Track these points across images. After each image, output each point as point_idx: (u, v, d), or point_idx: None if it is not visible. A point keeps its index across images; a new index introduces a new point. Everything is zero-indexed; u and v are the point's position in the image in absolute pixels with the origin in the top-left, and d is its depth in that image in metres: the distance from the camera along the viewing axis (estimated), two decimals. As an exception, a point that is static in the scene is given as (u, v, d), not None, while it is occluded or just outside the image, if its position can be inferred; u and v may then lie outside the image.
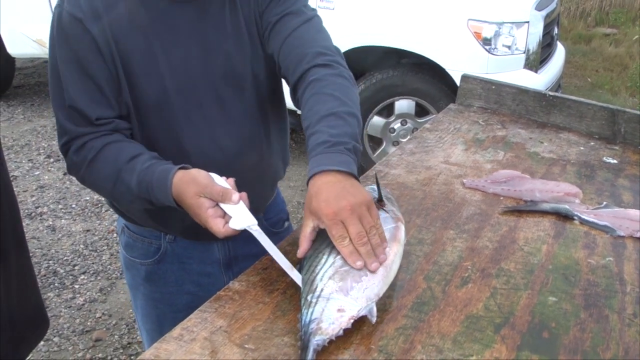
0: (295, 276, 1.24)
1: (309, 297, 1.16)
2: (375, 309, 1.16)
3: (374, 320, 1.14)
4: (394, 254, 1.25)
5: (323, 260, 1.21)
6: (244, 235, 1.64)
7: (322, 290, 1.16)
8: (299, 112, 1.40)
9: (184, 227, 1.55)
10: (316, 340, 1.08)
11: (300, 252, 1.25)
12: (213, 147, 1.50)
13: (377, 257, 1.19)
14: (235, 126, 1.49)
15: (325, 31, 1.51)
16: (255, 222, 1.27)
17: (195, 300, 1.66)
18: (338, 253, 1.20)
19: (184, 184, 1.29)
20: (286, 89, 1.55)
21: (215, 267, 1.65)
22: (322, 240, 1.25)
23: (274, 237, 1.61)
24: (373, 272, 1.18)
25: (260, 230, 1.27)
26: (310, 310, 1.13)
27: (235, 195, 1.25)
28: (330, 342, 1.11)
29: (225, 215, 1.27)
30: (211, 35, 1.45)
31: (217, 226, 1.25)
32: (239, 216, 1.26)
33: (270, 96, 1.57)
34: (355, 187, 1.22)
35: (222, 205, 1.27)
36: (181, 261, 1.64)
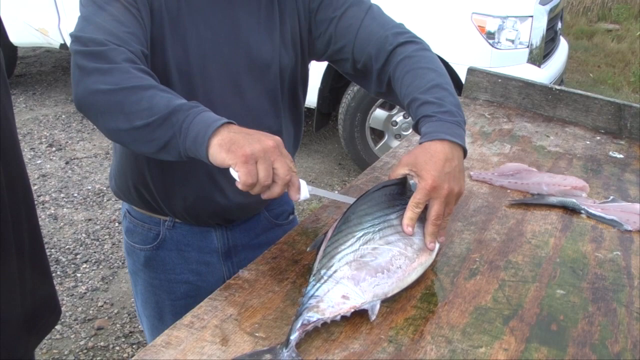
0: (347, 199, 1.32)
1: (321, 272, 1.17)
2: (378, 307, 1.16)
3: (372, 317, 1.14)
4: (418, 263, 1.25)
5: (349, 243, 1.21)
6: (243, 225, 1.64)
7: (335, 271, 1.16)
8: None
9: (185, 207, 1.55)
10: (309, 316, 1.09)
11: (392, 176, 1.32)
12: None
13: (437, 239, 1.28)
14: (252, 115, 1.49)
15: (386, 14, 1.54)
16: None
17: (194, 289, 1.66)
18: (367, 242, 1.22)
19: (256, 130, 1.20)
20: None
21: (214, 256, 1.65)
22: (358, 219, 1.25)
23: (277, 230, 1.62)
24: (431, 250, 1.28)
25: (313, 187, 1.28)
26: (317, 285, 1.15)
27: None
28: (340, 331, 1.11)
29: None
30: (242, 24, 1.45)
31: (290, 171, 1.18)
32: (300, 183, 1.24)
33: (290, 89, 1.58)
34: (461, 174, 1.29)
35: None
36: (180, 248, 1.64)
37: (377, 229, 1.24)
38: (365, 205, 1.28)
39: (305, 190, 1.22)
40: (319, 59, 1.60)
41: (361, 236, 1.23)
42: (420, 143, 1.30)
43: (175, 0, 1.38)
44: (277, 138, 1.17)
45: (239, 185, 1.13)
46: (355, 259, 1.19)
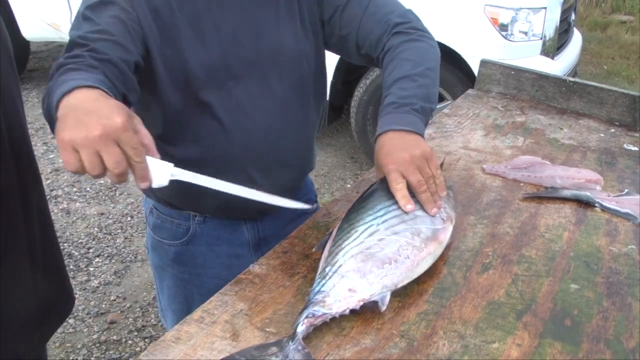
0: (288, 203, 1.27)
1: (326, 269, 1.16)
2: (388, 297, 1.15)
3: (383, 308, 1.13)
4: (427, 252, 1.24)
5: (353, 237, 1.21)
6: (272, 215, 1.63)
7: (340, 266, 1.16)
8: None
9: (216, 205, 1.55)
10: (313, 310, 1.09)
11: None
12: (254, 125, 1.48)
13: (434, 202, 1.28)
14: (278, 106, 1.49)
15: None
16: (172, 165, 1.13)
17: (225, 284, 1.66)
18: (372, 234, 1.21)
19: (103, 96, 1.07)
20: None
21: (244, 249, 1.65)
22: (359, 216, 1.25)
23: (303, 217, 1.61)
24: (432, 215, 1.28)
25: (182, 170, 1.14)
26: (323, 282, 1.14)
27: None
28: (352, 326, 1.11)
29: None
30: (262, 15, 1.44)
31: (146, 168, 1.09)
32: (158, 168, 1.11)
33: (314, 77, 1.58)
34: (416, 141, 1.30)
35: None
36: (210, 243, 1.64)
37: (381, 220, 1.24)
38: (365, 202, 1.29)
39: (161, 177, 1.10)
40: (327, 47, 1.61)
41: (365, 229, 1.22)
42: (375, 137, 1.36)
43: (194, 2, 1.38)
44: (114, 121, 1.01)
45: None
46: (361, 251, 1.18)
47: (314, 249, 1.30)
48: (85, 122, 1.00)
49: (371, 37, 1.49)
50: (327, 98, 4.65)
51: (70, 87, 1.05)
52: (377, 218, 1.24)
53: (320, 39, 1.57)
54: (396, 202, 1.27)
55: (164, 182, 1.11)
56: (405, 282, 1.19)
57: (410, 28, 1.49)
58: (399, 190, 1.26)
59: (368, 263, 1.16)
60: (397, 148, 1.29)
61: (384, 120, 1.35)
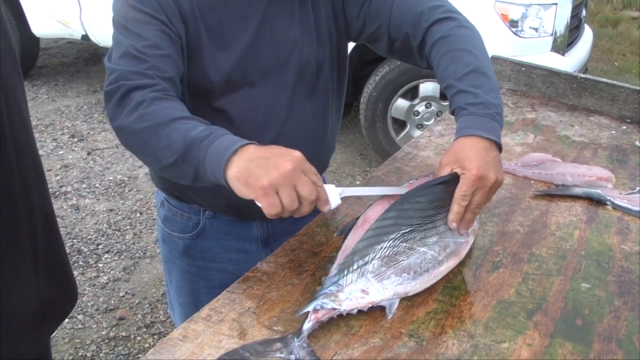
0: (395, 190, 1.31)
1: (354, 258, 1.15)
2: (396, 305, 1.14)
3: (389, 316, 1.13)
4: (446, 267, 1.24)
5: (393, 236, 1.18)
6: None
7: (366, 263, 1.14)
8: None
9: (227, 204, 1.55)
10: (323, 302, 1.08)
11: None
12: (269, 132, 1.47)
13: (469, 225, 1.27)
14: (293, 112, 1.48)
15: None
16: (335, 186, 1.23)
17: (232, 278, 1.66)
18: (407, 240, 1.19)
19: (274, 147, 1.17)
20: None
21: (253, 244, 1.65)
22: (411, 217, 1.22)
23: (314, 215, 1.60)
24: (461, 234, 1.27)
25: (344, 187, 1.24)
26: (343, 273, 1.13)
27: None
28: (360, 325, 1.10)
29: None
30: (280, 23, 1.43)
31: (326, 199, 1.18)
32: (329, 190, 1.20)
33: (331, 84, 1.56)
34: (500, 165, 1.27)
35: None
36: (219, 237, 1.64)
37: (422, 228, 1.22)
38: (423, 198, 1.24)
39: (335, 198, 1.18)
40: (355, 41, 1.58)
41: (407, 232, 1.19)
42: (455, 139, 1.28)
43: (210, 6, 1.37)
44: (296, 154, 1.13)
45: (266, 215, 1.10)
46: (389, 255, 1.16)
47: (335, 234, 1.30)
48: (272, 164, 1.09)
49: (405, 27, 1.43)
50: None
51: (229, 153, 1.12)
52: (421, 225, 1.22)
53: (341, 45, 1.54)
54: (445, 214, 1.25)
55: (338, 201, 1.19)
56: (417, 291, 1.19)
57: (449, 11, 1.43)
58: (461, 206, 1.23)
59: (390, 269, 1.16)
60: (487, 162, 1.23)
61: (468, 121, 1.29)
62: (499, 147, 1.28)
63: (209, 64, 1.39)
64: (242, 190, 1.10)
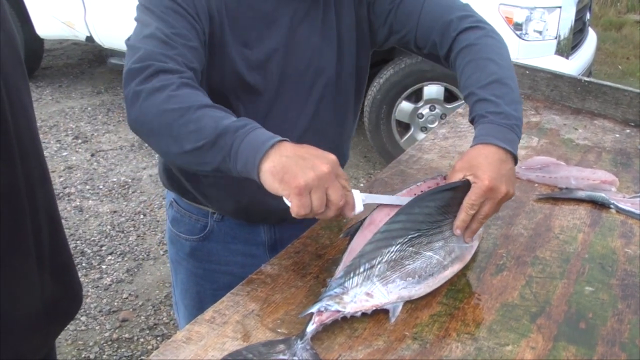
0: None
1: (361, 260, 1.14)
2: (399, 309, 1.15)
3: (392, 320, 1.13)
4: (451, 272, 1.24)
5: (401, 240, 1.18)
6: (292, 220, 1.63)
7: (372, 266, 1.14)
8: None
9: (237, 208, 1.55)
10: (327, 304, 1.08)
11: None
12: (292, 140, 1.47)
13: (474, 233, 1.26)
14: (311, 122, 1.48)
15: None
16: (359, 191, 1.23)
17: (238, 281, 1.66)
18: (414, 244, 1.19)
19: (311, 147, 1.15)
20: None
21: (260, 249, 1.65)
22: (421, 222, 1.21)
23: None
24: (466, 242, 1.26)
25: (366, 194, 1.24)
26: (349, 275, 1.13)
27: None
28: (364, 328, 1.10)
29: None
30: (303, 30, 1.43)
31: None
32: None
33: (350, 95, 1.57)
34: (514, 178, 1.27)
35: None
36: (226, 241, 1.64)
37: (429, 232, 1.21)
38: (433, 203, 1.22)
39: (359, 204, 1.18)
40: (379, 48, 1.58)
41: (415, 237, 1.19)
42: (472, 146, 1.28)
43: (237, 7, 1.37)
44: (332, 157, 1.12)
45: (292, 214, 1.10)
46: (396, 259, 1.16)
47: (341, 235, 1.30)
48: (309, 165, 1.08)
49: (432, 36, 1.43)
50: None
51: (266, 146, 1.09)
52: (429, 230, 1.21)
53: (361, 53, 1.54)
54: (452, 218, 1.24)
55: (362, 207, 1.18)
56: (421, 295, 1.19)
57: (477, 21, 1.43)
58: (468, 215, 1.22)
59: (395, 273, 1.16)
60: (501, 174, 1.22)
61: (487, 129, 1.28)
62: (515, 159, 1.27)
63: (228, 65, 1.38)
64: (274, 185, 1.08)
